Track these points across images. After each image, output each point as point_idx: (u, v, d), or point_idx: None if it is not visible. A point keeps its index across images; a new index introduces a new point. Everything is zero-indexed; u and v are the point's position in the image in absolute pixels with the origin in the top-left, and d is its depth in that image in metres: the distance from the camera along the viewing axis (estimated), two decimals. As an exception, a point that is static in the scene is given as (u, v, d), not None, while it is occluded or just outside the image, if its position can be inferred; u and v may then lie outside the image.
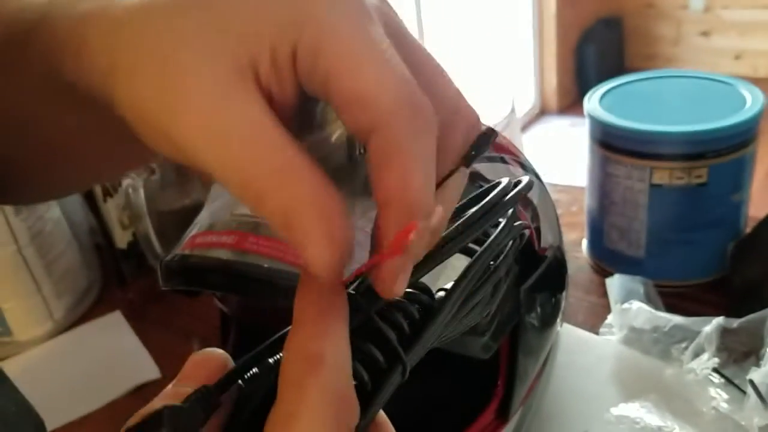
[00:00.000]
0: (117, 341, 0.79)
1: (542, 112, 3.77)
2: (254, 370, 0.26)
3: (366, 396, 0.24)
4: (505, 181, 0.33)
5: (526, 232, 0.34)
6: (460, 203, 0.33)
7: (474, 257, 0.30)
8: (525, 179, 0.34)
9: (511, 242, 0.33)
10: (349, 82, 0.22)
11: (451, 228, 0.28)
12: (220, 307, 0.62)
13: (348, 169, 0.25)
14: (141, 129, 0.24)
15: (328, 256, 0.22)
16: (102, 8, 0.26)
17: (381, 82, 0.22)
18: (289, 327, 0.24)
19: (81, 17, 0.27)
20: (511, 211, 0.33)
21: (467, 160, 0.27)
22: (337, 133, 0.26)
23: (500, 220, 0.32)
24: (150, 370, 0.75)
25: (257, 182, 0.22)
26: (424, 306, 0.28)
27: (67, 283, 0.85)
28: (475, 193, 0.33)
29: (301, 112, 0.25)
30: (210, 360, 0.26)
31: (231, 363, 0.26)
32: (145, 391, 0.73)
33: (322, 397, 0.22)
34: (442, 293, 0.29)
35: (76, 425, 0.70)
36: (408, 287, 0.26)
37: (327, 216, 0.22)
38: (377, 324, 0.26)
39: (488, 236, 0.31)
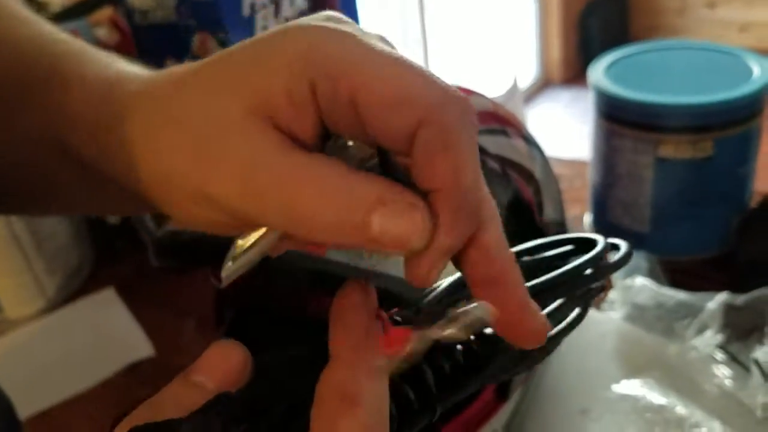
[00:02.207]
0: (110, 318, 0.78)
1: (545, 84, 3.73)
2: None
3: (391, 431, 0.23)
4: (601, 242, 0.30)
5: (601, 295, 0.31)
6: (540, 242, 0.31)
7: None
8: (624, 247, 0.31)
9: (578, 310, 0.30)
10: (388, 86, 0.22)
11: (529, 284, 0.27)
12: (215, 284, 0.61)
13: None
14: (175, 199, 0.25)
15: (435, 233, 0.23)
16: (120, 86, 0.28)
17: (422, 80, 0.23)
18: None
19: (101, 93, 0.29)
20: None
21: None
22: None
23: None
24: (144, 348, 0.74)
25: (320, 215, 0.22)
26: (471, 352, 0.27)
27: (59, 260, 0.84)
28: (557, 239, 0.31)
29: None
30: (230, 355, 0.24)
31: (250, 363, 0.24)
32: (139, 369, 0.72)
33: None
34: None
35: (70, 404, 0.69)
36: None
37: (408, 205, 0.22)
38: (420, 364, 0.25)
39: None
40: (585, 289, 0.30)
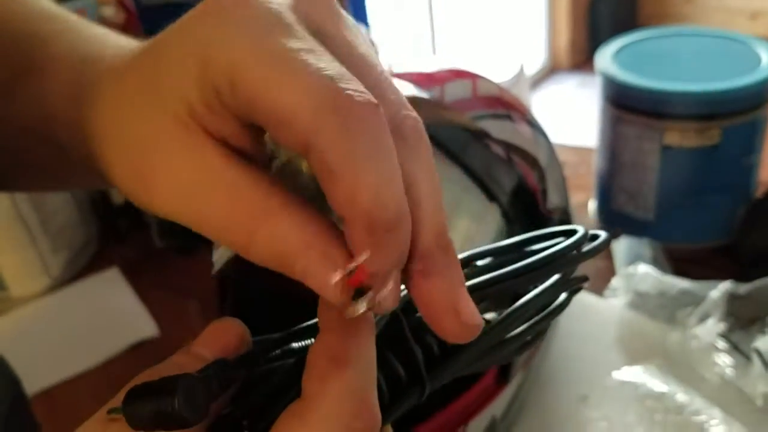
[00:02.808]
0: (114, 298, 0.79)
1: (553, 69, 3.71)
2: (276, 352, 0.25)
3: (381, 408, 0.24)
4: (580, 231, 0.30)
5: (584, 285, 0.32)
6: (522, 238, 0.31)
7: (518, 305, 0.28)
8: (603, 235, 0.32)
9: (565, 295, 0.30)
10: (267, 105, 0.21)
11: (503, 270, 0.28)
12: (212, 269, 0.61)
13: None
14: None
15: (335, 287, 0.21)
16: (85, 81, 0.27)
17: (295, 93, 0.20)
18: (315, 319, 0.25)
19: (72, 78, 0.28)
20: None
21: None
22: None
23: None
24: (148, 328, 0.75)
25: (237, 234, 0.22)
26: None
27: (63, 239, 0.84)
28: (543, 233, 0.32)
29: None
30: (229, 329, 0.25)
31: (249, 337, 0.25)
32: (142, 349, 0.73)
33: (344, 396, 0.22)
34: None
35: (72, 383, 0.70)
36: None
37: (319, 250, 0.21)
38: (408, 341, 0.26)
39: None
40: (570, 270, 0.30)
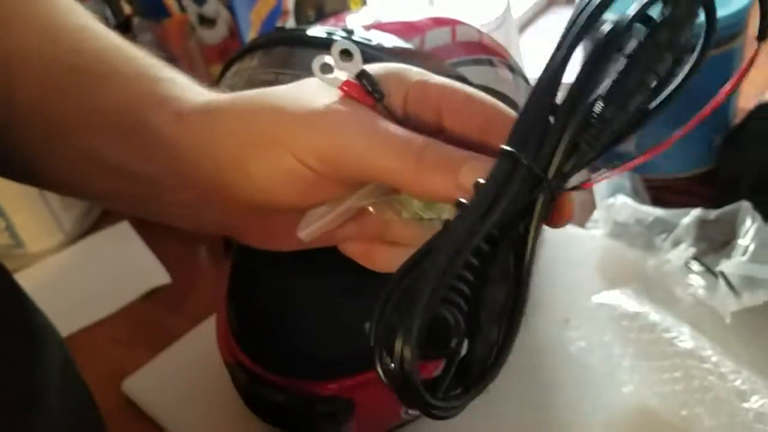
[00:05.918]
0: (126, 249, 0.82)
1: (550, 2, 3.66)
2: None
3: None
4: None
5: None
6: None
7: None
8: None
9: None
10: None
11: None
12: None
13: None
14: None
15: None
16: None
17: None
18: None
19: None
20: None
21: None
22: None
23: None
24: (160, 276, 0.79)
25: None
26: None
27: (74, 196, 0.87)
28: None
29: None
30: None
31: None
32: (156, 296, 0.77)
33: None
34: None
35: (92, 329, 0.74)
36: None
37: None
38: None
39: None
40: None
